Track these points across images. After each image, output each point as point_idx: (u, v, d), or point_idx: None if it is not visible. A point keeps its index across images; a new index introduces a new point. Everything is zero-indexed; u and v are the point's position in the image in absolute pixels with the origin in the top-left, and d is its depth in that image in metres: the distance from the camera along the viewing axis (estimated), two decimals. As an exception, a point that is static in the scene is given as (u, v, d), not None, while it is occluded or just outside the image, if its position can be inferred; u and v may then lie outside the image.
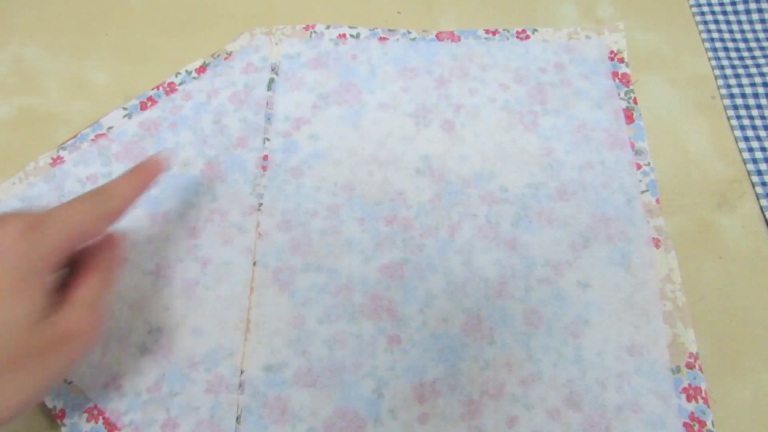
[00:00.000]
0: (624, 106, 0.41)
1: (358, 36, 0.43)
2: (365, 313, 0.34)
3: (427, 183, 0.38)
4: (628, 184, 0.38)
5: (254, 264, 0.36)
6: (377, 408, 0.32)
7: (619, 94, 0.41)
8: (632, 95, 0.41)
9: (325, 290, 0.35)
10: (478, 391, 0.32)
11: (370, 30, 0.44)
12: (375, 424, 0.32)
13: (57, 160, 0.39)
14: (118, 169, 0.38)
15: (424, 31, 0.44)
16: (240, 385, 0.33)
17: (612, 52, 0.43)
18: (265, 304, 0.35)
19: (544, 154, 0.39)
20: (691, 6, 0.46)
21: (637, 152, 0.39)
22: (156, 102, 0.41)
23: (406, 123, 0.40)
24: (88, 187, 0.38)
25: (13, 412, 0.23)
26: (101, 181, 0.38)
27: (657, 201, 0.38)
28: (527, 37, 0.43)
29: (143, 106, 0.41)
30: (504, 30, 0.44)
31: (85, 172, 0.38)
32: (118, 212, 0.28)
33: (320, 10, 0.45)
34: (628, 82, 0.42)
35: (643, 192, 0.38)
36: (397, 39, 0.43)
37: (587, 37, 0.43)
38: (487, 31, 0.44)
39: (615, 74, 0.42)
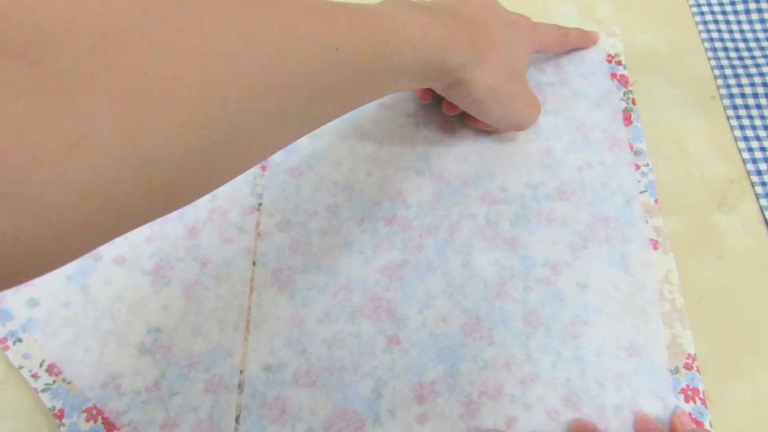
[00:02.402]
0: (623, 107, 0.41)
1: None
2: (364, 313, 0.34)
3: (427, 183, 0.38)
4: (626, 185, 0.38)
5: (254, 264, 0.36)
6: (376, 408, 0.32)
7: (618, 95, 0.41)
8: (631, 96, 0.41)
9: (324, 290, 0.35)
10: (477, 391, 0.32)
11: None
12: (374, 424, 0.32)
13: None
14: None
15: (423, 31, 0.44)
16: (239, 385, 0.33)
17: (609, 54, 0.43)
18: (265, 304, 0.35)
19: (543, 153, 0.39)
20: (690, 6, 0.46)
21: (636, 153, 0.39)
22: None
23: (406, 123, 0.40)
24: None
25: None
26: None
27: (656, 201, 0.38)
28: (527, 37, 0.43)
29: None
30: (503, 30, 0.44)
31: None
32: (564, 45, 0.42)
33: None
34: (627, 83, 0.42)
35: (641, 192, 0.38)
36: (397, 39, 0.43)
37: (586, 37, 0.43)
38: (486, 32, 0.44)
39: (613, 75, 0.42)
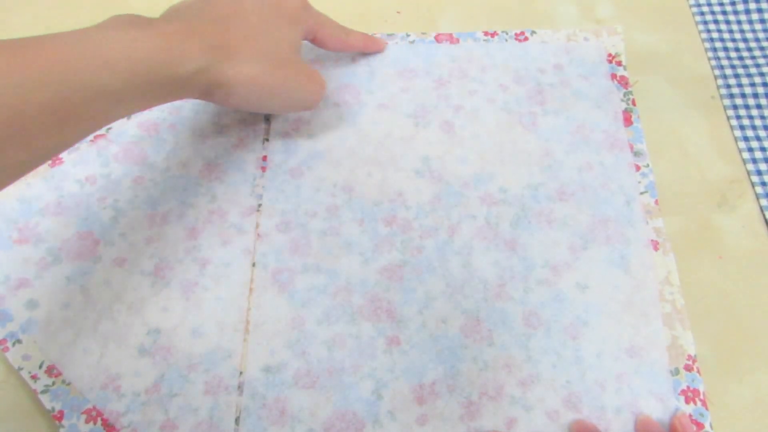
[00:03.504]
0: (623, 108, 0.41)
1: (357, 38, 0.43)
2: (364, 314, 0.34)
3: (427, 184, 0.38)
4: (627, 186, 0.38)
5: (253, 265, 0.36)
6: (376, 409, 0.32)
7: (618, 96, 0.41)
8: (631, 97, 0.41)
9: (324, 291, 0.35)
10: (477, 392, 0.32)
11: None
12: (374, 426, 0.32)
13: (56, 161, 0.38)
14: (116, 170, 0.38)
15: (422, 33, 0.44)
16: (239, 387, 0.33)
17: (610, 54, 0.43)
18: (264, 306, 0.35)
19: (543, 154, 0.39)
20: (690, 6, 0.46)
21: (636, 154, 0.39)
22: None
23: (406, 123, 0.40)
24: (87, 188, 0.38)
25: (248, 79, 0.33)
26: (100, 182, 0.38)
27: (656, 202, 0.38)
28: (526, 38, 0.43)
29: (142, 107, 0.41)
30: (502, 32, 0.44)
31: (83, 172, 0.38)
32: (346, 46, 0.41)
33: (320, 8, 0.45)
34: (627, 84, 0.42)
35: (642, 193, 0.38)
36: (396, 42, 0.43)
37: (585, 39, 0.43)
38: (485, 33, 0.44)
39: (614, 76, 0.42)
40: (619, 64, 0.42)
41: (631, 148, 0.39)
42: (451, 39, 0.43)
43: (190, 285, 0.35)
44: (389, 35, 0.43)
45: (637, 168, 0.39)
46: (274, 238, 0.36)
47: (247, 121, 0.40)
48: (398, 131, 0.40)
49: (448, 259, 0.36)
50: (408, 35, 0.44)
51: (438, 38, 0.43)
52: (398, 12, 0.45)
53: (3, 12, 0.45)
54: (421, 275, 0.35)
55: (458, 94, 0.41)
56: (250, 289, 0.35)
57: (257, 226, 0.37)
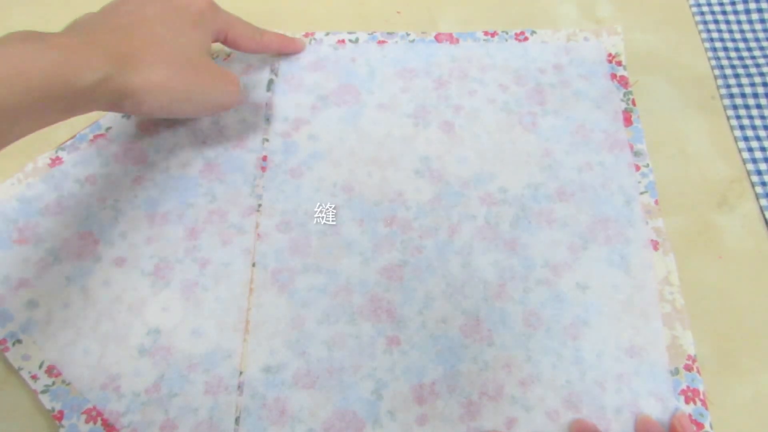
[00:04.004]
0: (623, 108, 0.41)
1: (357, 41, 0.43)
2: (364, 314, 0.34)
3: (427, 184, 0.38)
4: (626, 186, 0.38)
5: (253, 265, 0.36)
6: (376, 409, 0.32)
7: (618, 96, 0.41)
8: (631, 97, 0.41)
9: (324, 291, 0.35)
10: (477, 392, 0.32)
11: (368, 34, 0.44)
12: (374, 426, 0.32)
13: (56, 161, 0.39)
14: (117, 170, 0.38)
15: (422, 33, 0.44)
16: (239, 387, 0.33)
17: (610, 54, 0.43)
18: (264, 305, 0.35)
19: (543, 154, 0.39)
20: (690, 6, 0.46)
21: (636, 154, 0.39)
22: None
23: (406, 123, 0.40)
24: (87, 188, 0.38)
25: (157, 86, 0.32)
26: (100, 183, 0.38)
27: (656, 202, 0.38)
28: (526, 38, 0.43)
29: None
30: (503, 32, 0.44)
31: (84, 172, 0.38)
32: (260, 47, 0.40)
33: (321, 8, 0.45)
34: (627, 84, 0.42)
35: (642, 193, 0.38)
36: (396, 41, 0.43)
37: (585, 39, 0.43)
38: (485, 33, 0.44)
39: (614, 76, 0.42)
40: (619, 64, 0.42)
41: (631, 148, 0.39)
42: (451, 39, 0.43)
43: (190, 285, 0.35)
44: (389, 34, 0.43)
45: (637, 168, 0.39)
46: (274, 238, 0.36)
47: (247, 121, 0.40)
48: (398, 131, 0.40)
49: (448, 259, 0.36)
50: (408, 34, 0.44)
51: (438, 38, 0.43)
52: (398, 12, 0.45)
53: (3, 12, 0.45)
54: (421, 275, 0.35)
55: (458, 94, 0.41)
56: (250, 289, 0.35)
57: (257, 226, 0.37)
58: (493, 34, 0.44)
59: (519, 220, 0.37)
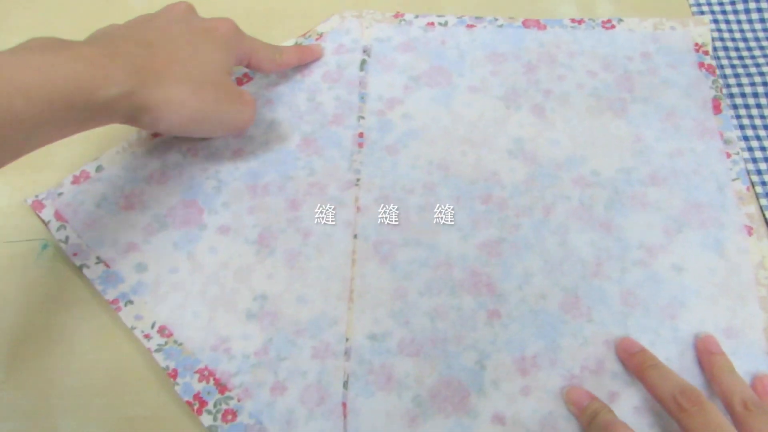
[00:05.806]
0: (712, 96, 0.41)
1: (446, 24, 0.44)
2: (465, 287, 0.35)
3: (520, 165, 0.39)
4: (718, 172, 0.38)
5: (355, 237, 0.37)
6: (480, 379, 0.33)
7: (707, 84, 0.41)
8: (719, 85, 0.42)
9: (425, 264, 0.36)
10: (579, 366, 0.33)
11: (457, 18, 0.44)
12: (479, 395, 0.32)
13: (157, 133, 0.40)
14: (217, 143, 0.39)
15: (510, 18, 0.44)
16: (346, 352, 0.33)
17: (696, 44, 0.43)
18: (367, 276, 0.35)
19: (634, 140, 0.40)
20: (690, 6, 0.46)
21: (726, 141, 0.40)
22: (251, 78, 0.42)
23: (497, 106, 0.41)
24: (189, 158, 0.39)
25: (178, 106, 0.32)
26: (201, 154, 0.39)
27: (747, 189, 0.38)
28: (613, 26, 0.44)
29: (239, 82, 0.42)
30: (589, 19, 0.44)
31: (185, 144, 0.39)
32: (282, 66, 0.40)
33: (319, 9, 0.45)
34: (714, 72, 0.42)
35: (734, 180, 0.38)
36: (485, 26, 0.44)
37: (672, 28, 0.44)
38: (572, 20, 0.44)
39: (701, 64, 0.42)
40: (707, 53, 0.43)
41: (721, 135, 0.40)
42: (539, 25, 0.44)
43: (294, 254, 0.36)
44: (478, 18, 0.44)
45: (728, 155, 0.39)
46: (373, 212, 0.37)
47: (341, 99, 0.41)
48: (490, 113, 0.41)
49: (545, 238, 0.36)
50: (496, 19, 0.44)
51: (525, 24, 0.44)
52: (398, 12, 0.45)
53: (3, 12, 0.46)
54: (518, 252, 0.36)
55: (548, 78, 0.42)
56: (353, 260, 0.36)
57: (356, 199, 0.38)
58: (579, 21, 0.44)
59: (613, 203, 0.38)
